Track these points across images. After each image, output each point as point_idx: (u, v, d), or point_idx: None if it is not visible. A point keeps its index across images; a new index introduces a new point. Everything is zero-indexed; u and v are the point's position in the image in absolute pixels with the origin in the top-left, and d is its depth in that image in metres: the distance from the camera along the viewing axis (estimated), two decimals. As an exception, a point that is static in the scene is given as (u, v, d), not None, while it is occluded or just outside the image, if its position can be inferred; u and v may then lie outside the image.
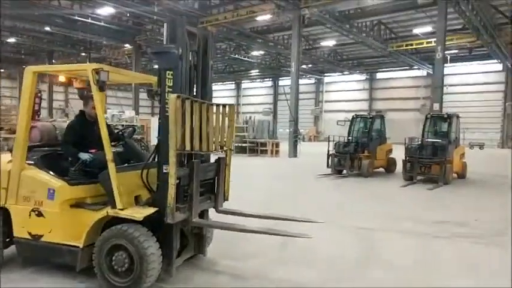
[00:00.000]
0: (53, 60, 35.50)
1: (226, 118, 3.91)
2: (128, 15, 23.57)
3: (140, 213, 3.35)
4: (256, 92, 46.90)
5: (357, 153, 12.35)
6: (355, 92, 40.07)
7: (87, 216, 3.56)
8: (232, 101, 44.58)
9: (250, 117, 23.13)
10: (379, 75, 38.81)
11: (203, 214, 4.02)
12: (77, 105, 29.54)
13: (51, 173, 3.75)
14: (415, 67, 33.53)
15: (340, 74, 39.99)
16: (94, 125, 4.11)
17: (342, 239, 5.40)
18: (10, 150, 4.05)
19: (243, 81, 47.75)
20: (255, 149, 20.14)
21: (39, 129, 4.25)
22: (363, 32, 23.99)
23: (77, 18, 22.48)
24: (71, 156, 3.94)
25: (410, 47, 26.78)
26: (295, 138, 19.20)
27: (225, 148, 3.99)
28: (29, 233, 3.68)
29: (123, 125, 10.85)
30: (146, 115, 40.20)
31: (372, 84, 39.15)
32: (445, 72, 34.05)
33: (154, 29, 26.16)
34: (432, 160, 10.93)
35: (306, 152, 19.86)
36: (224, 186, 4.05)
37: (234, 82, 46.91)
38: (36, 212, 3.64)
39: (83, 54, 32.95)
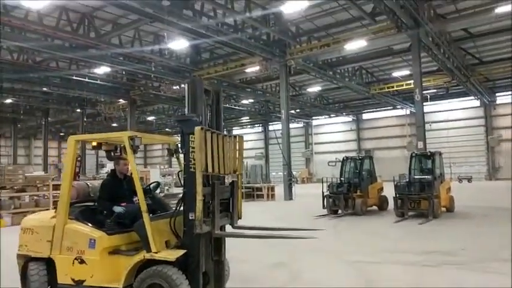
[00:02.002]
0: (49, 118, 36.44)
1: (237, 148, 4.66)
2: (123, 72, 24.79)
3: (172, 255, 3.95)
4: (247, 138, 47.93)
5: (350, 193, 13.01)
6: (343, 133, 41.44)
7: (124, 261, 4.14)
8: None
9: (243, 162, 23.84)
10: (365, 116, 40.37)
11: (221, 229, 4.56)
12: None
13: (89, 225, 4.37)
14: (398, 107, 35.20)
15: (327, 116, 41.52)
16: (123, 181, 4.81)
17: (343, 272, 5.97)
18: (54, 208, 4.66)
19: (234, 128, 49.02)
20: (251, 194, 20.68)
21: (76, 188, 4.88)
22: (345, 77, 25.54)
23: (73, 77, 23.64)
24: (106, 210, 4.56)
25: (392, 89, 28.41)
26: (289, 181, 19.87)
27: (237, 172, 4.67)
28: (72, 279, 4.23)
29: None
30: (139, 166, 40.85)
31: (359, 125, 40.61)
32: (427, 110, 35.68)
33: (147, 83, 27.45)
34: (420, 196, 11.62)
35: (301, 194, 20.45)
36: (238, 206, 4.66)
37: (225, 129, 48.06)
38: (79, 260, 4.21)
39: (78, 110, 33.98)
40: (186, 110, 4.43)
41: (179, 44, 18.90)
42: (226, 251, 4.70)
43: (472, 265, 5.99)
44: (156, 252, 3.98)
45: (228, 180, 4.46)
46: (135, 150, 4.23)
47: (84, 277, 4.19)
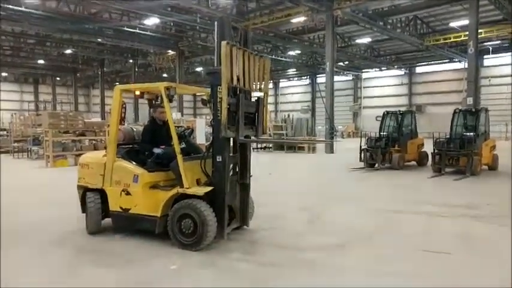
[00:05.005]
0: (104, 68, 38.44)
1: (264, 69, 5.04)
2: (172, 24, 25.33)
3: (201, 190, 4.59)
4: (294, 90, 47.79)
5: (388, 148, 13.08)
6: (394, 87, 39.94)
7: (162, 195, 4.86)
8: (270, 100, 45.74)
9: (288, 115, 24.07)
10: (418, 70, 38.42)
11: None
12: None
13: (134, 163, 5.09)
14: (456, 60, 33.05)
15: (377, 69, 40.00)
16: (162, 126, 5.45)
17: (361, 216, 6.44)
18: (105, 148, 5.43)
19: (280, 80, 48.76)
20: (292, 146, 21.15)
21: (122, 132, 5.61)
22: (398, 28, 24.26)
23: (125, 29, 24.61)
24: (147, 151, 5.26)
25: (449, 41, 26.64)
26: (331, 135, 20.02)
27: (263, 91, 5.10)
28: (121, 207, 5.04)
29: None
30: (189, 116, 42.47)
31: (411, 79, 38.84)
32: (488, 64, 33.11)
33: (195, 34, 27.86)
34: (460, 152, 11.46)
35: (343, 148, 20.57)
36: (263, 121, 5.12)
37: (271, 81, 48.02)
38: (125, 192, 4.99)
39: (130, 61, 35.48)
40: (215, 47, 4.83)
41: (225, -6, 18.92)
42: (254, 200, 5.23)
43: (490, 219, 6.15)
44: (188, 188, 4.63)
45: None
46: (170, 99, 4.79)
47: (130, 206, 4.98)
